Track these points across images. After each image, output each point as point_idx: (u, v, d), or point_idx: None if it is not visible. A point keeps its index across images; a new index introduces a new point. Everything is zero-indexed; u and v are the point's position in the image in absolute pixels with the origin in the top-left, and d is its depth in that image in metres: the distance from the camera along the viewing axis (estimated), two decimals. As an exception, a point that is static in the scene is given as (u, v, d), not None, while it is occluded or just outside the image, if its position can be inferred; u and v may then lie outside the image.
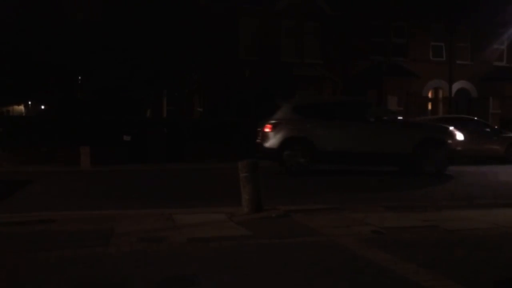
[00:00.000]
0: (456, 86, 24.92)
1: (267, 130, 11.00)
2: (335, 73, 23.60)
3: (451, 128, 11.34)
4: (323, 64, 23.52)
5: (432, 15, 23.14)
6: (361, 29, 23.86)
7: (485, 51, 25.14)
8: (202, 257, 3.63)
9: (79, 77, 22.08)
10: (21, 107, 34.02)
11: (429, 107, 26.17)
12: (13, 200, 7.19)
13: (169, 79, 19.18)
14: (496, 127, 17.52)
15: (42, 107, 29.04)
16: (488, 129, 16.14)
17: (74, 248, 3.90)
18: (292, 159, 10.82)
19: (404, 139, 10.74)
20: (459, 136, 11.31)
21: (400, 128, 10.99)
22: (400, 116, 14.09)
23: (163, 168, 13.01)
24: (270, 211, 5.45)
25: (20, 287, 3.06)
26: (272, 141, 10.91)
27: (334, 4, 23.37)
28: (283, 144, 10.82)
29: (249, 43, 22.95)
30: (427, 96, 25.83)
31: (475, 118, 17.09)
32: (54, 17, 18.78)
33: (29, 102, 31.89)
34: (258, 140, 11.36)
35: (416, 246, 3.99)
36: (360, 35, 23.82)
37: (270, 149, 10.95)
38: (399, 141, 10.73)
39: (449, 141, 10.82)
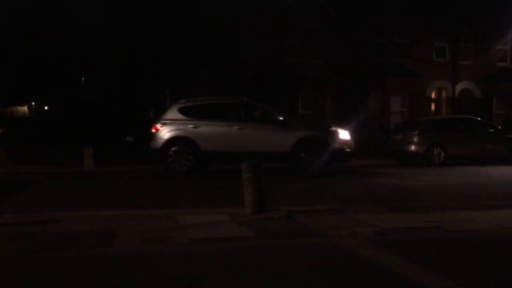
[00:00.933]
0: (459, 86, 24.88)
1: (153, 131, 11.36)
2: (338, 74, 23.59)
3: (334, 127, 11.43)
4: (326, 65, 23.51)
5: (436, 15, 23.08)
6: (364, 30, 23.84)
7: (489, 51, 25.07)
8: (205, 258, 3.64)
9: (83, 78, 22.14)
10: (25, 108, 34.14)
11: (432, 107, 26.13)
12: (17, 201, 7.22)
13: (172, 80, 19.20)
14: (499, 127, 17.47)
15: (46, 107, 29.14)
16: (491, 130, 16.11)
17: (77, 249, 3.92)
18: (176, 159, 11.15)
19: (282, 139, 10.98)
20: (344, 135, 11.29)
21: (278, 128, 11.12)
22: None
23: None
24: (273, 212, 5.45)
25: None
26: (157, 142, 11.27)
27: (337, 5, 23.36)
28: (166, 144, 11.17)
29: (252, 43, 22.98)
30: (430, 97, 25.78)
31: (479, 119, 17.05)
32: (58, 19, 18.84)
33: (33, 103, 32.00)
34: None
35: (419, 247, 4.00)
36: (363, 36, 23.79)
37: (154, 149, 11.33)
38: (278, 140, 10.99)
39: (333, 141, 10.92)
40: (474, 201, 6.69)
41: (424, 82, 24.68)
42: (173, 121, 11.33)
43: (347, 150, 11.21)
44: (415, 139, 14.89)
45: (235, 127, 11.19)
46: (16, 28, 19.36)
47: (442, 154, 14.68)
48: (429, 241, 4.23)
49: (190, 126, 11.25)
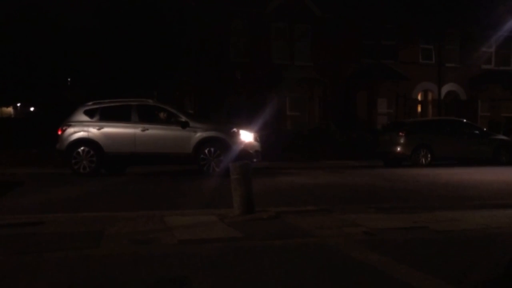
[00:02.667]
0: (445, 88, 25.15)
1: (59, 132, 11.61)
2: (325, 75, 23.69)
3: (235, 129, 11.64)
4: (314, 66, 23.60)
5: (422, 18, 23.31)
6: (351, 32, 23.98)
7: (474, 54, 25.38)
8: (193, 259, 3.63)
9: (69, 79, 21.95)
10: (10, 109, 33.72)
11: (419, 109, 26.38)
12: (3, 202, 7.12)
13: (159, 82, 19.13)
14: (484, 129, 17.70)
15: (31, 108, 28.81)
16: (477, 131, 16.33)
17: (64, 250, 3.88)
18: (79, 161, 11.36)
19: (184, 140, 11.25)
20: (246, 137, 11.52)
21: (180, 129, 11.33)
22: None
23: (151, 171, 12.97)
24: (261, 213, 5.45)
25: (10, 290, 3.04)
26: (62, 143, 11.55)
27: (325, 6, 23.47)
28: (70, 146, 11.42)
29: (240, 45, 23.01)
30: (417, 98, 26.04)
31: (464, 120, 17.26)
32: (43, 21, 18.67)
33: (18, 104, 31.61)
34: None
35: (407, 247, 4.02)
36: (350, 38, 23.93)
37: (59, 151, 11.66)
38: (180, 141, 11.27)
39: (234, 142, 11.19)
40: (461, 201, 6.76)
41: (411, 84, 24.92)
42: (77, 123, 11.54)
43: (250, 151, 11.39)
44: (402, 140, 15.03)
45: (138, 129, 11.34)
46: (1, 29, 19.15)
47: (429, 156, 14.84)
48: (417, 241, 4.25)
49: (93, 128, 11.43)
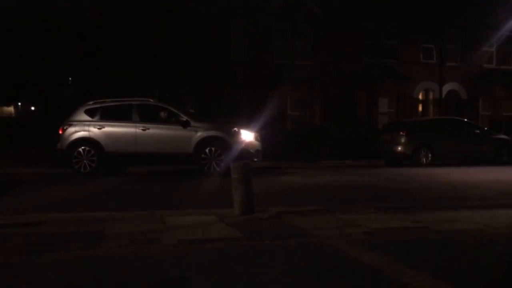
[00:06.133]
0: (446, 88, 25.12)
1: (60, 132, 11.58)
2: (326, 75, 23.67)
3: (236, 128, 11.59)
4: (314, 66, 23.58)
5: (423, 17, 23.28)
6: (352, 31, 23.95)
7: (475, 53, 25.35)
8: (193, 259, 3.63)
9: (70, 79, 21.97)
10: (11, 108, 33.75)
11: (420, 108, 26.35)
12: (3, 202, 7.13)
13: (160, 81, 19.13)
14: (485, 128, 17.68)
15: (32, 108, 28.84)
16: (478, 131, 16.30)
17: (64, 250, 3.88)
18: (80, 160, 11.30)
19: (185, 139, 11.21)
20: (247, 136, 11.49)
21: (181, 128, 11.30)
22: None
23: (152, 171, 12.97)
24: (262, 213, 5.45)
25: (10, 290, 3.04)
26: (62, 143, 11.50)
27: (325, 6, 23.44)
28: (71, 146, 11.37)
29: (240, 44, 22.99)
30: (418, 98, 26.00)
31: (465, 120, 17.24)
32: (44, 21, 18.68)
33: (19, 103, 31.64)
34: None
35: (407, 247, 4.02)
36: (351, 37, 23.90)
37: (60, 151, 11.59)
38: (181, 141, 11.22)
39: (235, 141, 11.16)
40: (461, 201, 6.76)
41: (412, 83, 24.88)
42: (78, 123, 11.50)
43: (250, 150, 11.37)
44: (403, 140, 15.01)
45: (139, 128, 11.32)
46: (2, 30, 19.17)
47: (429, 155, 14.81)
48: (417, 241, 4.25)
49: (94, 127, 11.39)
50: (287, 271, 3.32)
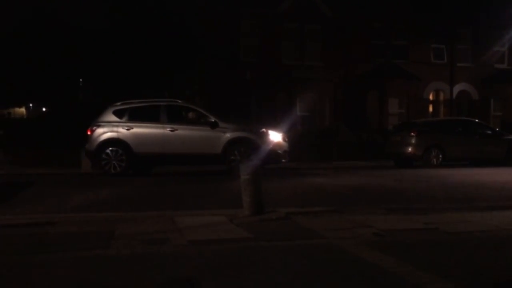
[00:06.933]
0: (457, 88, 24.95)
1: (88, 133, 11.59)
2: (335, 76, 23.61)
3: (264, 129, 11.51)
4: (324, 67, 23.53)
5: (433, 17, 23.14)
6: (362, 32, 23.87)
7: (486, 53, 25.14)
8: (203, 259, 3.64)
9: (81, 80, 22.13)
10: (23, 109, 34.07)
11: (430, 109, 26.19)
12: (14, 203, 7.20)
13: (169, 81, 19.20)
14: (497, 129, 17.52)
15: (44, 109, 29.10)
16: (489, 131, 16.15)
17: (74, 251, 3.91)
18: (109, 161, 11.30)
19: (213, 140, 11.19)
20: (276, 137, 11.39)
21: (209, 129, 11.28)
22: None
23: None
24: (271, 214, 5.46)
25: (21, 289, 3.07)
26: (91, 143, 11.53)
27: (335, 7, 23.39)
28: (100, 146, 11.38)
29: (250, 45, 23.00)
30: (428, 98, 25.85)
31: (476, 120, 17.09)
32: (56, 22, 18.85)
33: (30, 104, 31.95)
34: None
35: (417, 248, 4.00)
36: (361, 38, 23.82)
37: (89, 151, 11.66)
38: (209, 142, 11.20)
39: (264, 143, 11.08)
40: (472, 203, 6.71)
41: (422, 83, 24.74)
42: (107, 123, 11.51)
43: (279, 151, 11.33)
44: (413, 140, 14.91)
45: (168, 129, 11.32)
46: (15, 31, 19.37)
47: (440, 156, 14.71)
48: (427, 243, 4.23)
49: (123, 128, 11.40)
50: (295, 272, 3.32)
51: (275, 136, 11.45)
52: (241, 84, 21.78)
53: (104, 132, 11.43)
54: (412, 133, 15.04)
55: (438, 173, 12.01)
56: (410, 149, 14.94)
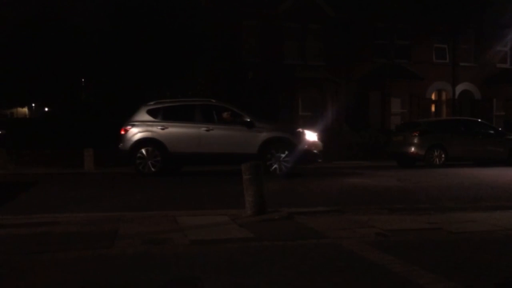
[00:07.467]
0: (459, 88, 24.91)
1: (122, 132, 11.51)
2: (338, 75, 23.61)
3: (300, 129, 11.50)
4: (326, 67, 23.53)
5: (436, 17, 23.11)
6: (364, 32, 23.86)
7: (489, 53, 25.10)
8: (205, 259, 3.64)
9: (83, 80, 22.17)
10: (25, 109, 34.13)
11: (433, 109, 26.16)
12: (18, 202, 7.21)
13: (172, 81, 19.21)
14: (499, 129, 17.48)
15: (46, 109, 29.15)
16: (491, 131, 16.11)
17: (77, 250, 3.91)
18: (144, 161, 11.24)
19: (249, 140, 11.14)
20: (311, 137, 11.37)
21: (245, 129, 11.25)
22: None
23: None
24: (273, 213, 5.45)
25: (24, 289, 3.07)
26: (125, 143, 11.43)
27: (337, 6, 23.38)
28: (134, 146, 11.30)
29: (252, 45, 23.01)
30: (431, 98, 25.82)
31: (479, 120, 17.06)
32: (59, 23, 18.88)
33: (33, 104, 32.00)
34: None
35: (420, 248, 3.99)
36: (363, 38, 23.81)
37: (123, 151, 11.50)
38: (245, 141, 11.15)
39: (299, 142, 11.04)
40: (475, 202, 6.69)
41: (424, 83, 24.72)
42: (141, 123, 11.45)
43: (314, 151, 11.31)
44: (416, 140, 14.89)
45: (203, 129, 11.30)
46: (17, 31, 19.41)
47: (443, 156, 14.69)
48: (430, 243, 4.22)
49: (158, 127, 11.36)
50: (298, 272, 3.31)
51: (310, 136, 11.40)
52: (243, 84, 21.77)
53: (138, 132, 11.35)
54: (415, 133, 15.02)
55: (440, 173, 11.99)
56: (412, 149, 14.92)
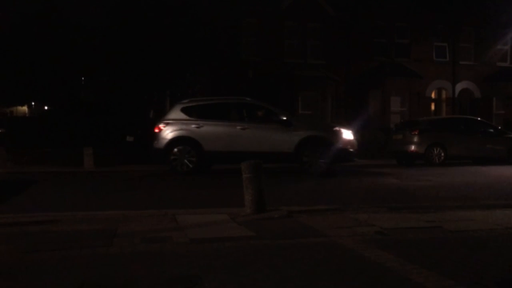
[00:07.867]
0: (459, 86, 24.89)
1: (156, 130, 11.33)
2: (338, 74, 23.60)
3: (337, 127, 11.39)
4: (326, 65, 23.52)
5: (435, 15, 23.08)
6: (364, 30, 23.84)
7: (489, 51, 25.09)
8: (205, 258, 3.64)
9: (83, 78, 22.14)
10: (25, 108, 34.10)
11: (432, 107, 26.16)
12: (17, 201, 7.21)
13: (172, 80, 19.19)
14: (499, 127, 17.47)
15: (46, 107, 29.15)
16: (491, 130, 16.11)
17: (77, 248, 3.91)
18: (179, 159, 11.08)
19: (285, 139, 10.94)
20: (348, 135, 11.25)
21: (281, 128, 11.07)
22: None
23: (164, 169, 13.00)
24: (273, 212, 5.45)
25: (24, 287, 3.07)
26: (160, 142, 11.23)
27: (337, 5, 23.36)
28: (169, 145, 11.12)
29: (252, 43, 22.99)
30: (430, 97, 25.81)
31: (479, 119, 17.05)
32: (58, 20, 18.85)
33: (32, 103, 31.97)
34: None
35: (420, 247, 3.99)
36: (363, 36, 23.80)
37: (158, 150, 11.30)
38: (281, 140, 10.95)
39: (336, 141, 10.89)
40: (474, 201, 6.69)
41: (424, 82, 24.70)
42: (176, 121, 11.26)
43: (351, 150, 11.19)
44: (415, 139, 14.89)
45: (238, 127, 11.14)
46: (16, 29, 19.38)
47: (442, 154, 14.68)
48: (430, 241, 4.22)
49: (193, 126, 11.19)
50: (298, 271, 3.31)
51: (347, 135, 11.26)
52: (243, 82, 21.76)
53: (173, 130, 11.17)
54: (414, 132, 15.01)
55: (440, 171, 11.98)
56: (412, 147, 14.91)
